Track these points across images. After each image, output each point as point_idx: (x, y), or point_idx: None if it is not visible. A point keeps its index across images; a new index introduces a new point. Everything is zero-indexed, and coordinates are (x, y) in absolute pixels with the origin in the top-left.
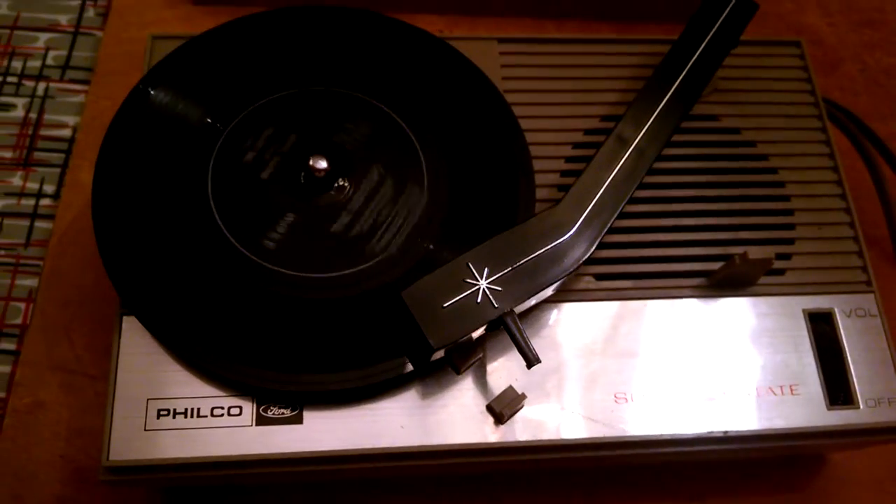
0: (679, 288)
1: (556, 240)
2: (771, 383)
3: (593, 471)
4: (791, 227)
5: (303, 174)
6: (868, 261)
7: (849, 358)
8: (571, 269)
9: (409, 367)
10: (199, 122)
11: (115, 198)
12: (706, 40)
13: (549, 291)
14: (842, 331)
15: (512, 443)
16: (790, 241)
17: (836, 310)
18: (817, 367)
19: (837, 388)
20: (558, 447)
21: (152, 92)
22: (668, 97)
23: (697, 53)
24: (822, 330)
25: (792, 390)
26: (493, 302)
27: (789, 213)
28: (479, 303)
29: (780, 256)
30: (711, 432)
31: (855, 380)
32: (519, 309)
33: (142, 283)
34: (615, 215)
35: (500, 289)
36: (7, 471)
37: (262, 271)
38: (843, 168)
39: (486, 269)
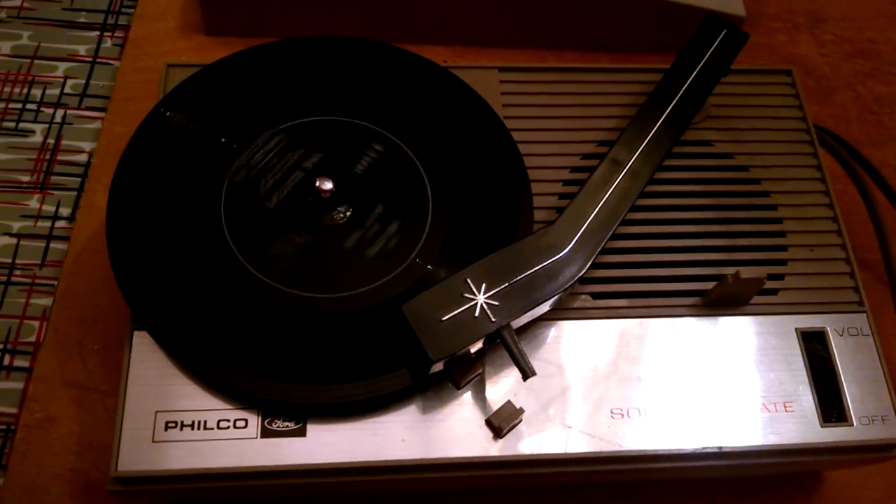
0: (674, 307)
1: (552, 257)
2: (765, 400)
3: (590, 487)
4: (783, 248)
5: (309, 196)
6: (860, 281)
7: (842, 376)
8: (566, 286)
9: (410, 381)
10: (211, 144)
11: (128, 213)
12: (698, 68)
13: (545, 307)
14: (834, 349)
15: (510, 456)
16: (783, 262)
17: (828, 329)
18: (810, 385)
19: (831, 406)
20: (555, 461)
21: (168, 114)
22: (660, 122)
23: (689, 81)
24: (814, 348)
25: (786, 407)
26: (491, 316)
27: (781, 234)
28: (476, 317)
29: (772, 277)
30: (706, 448)
31: (848, 397)
32: (516, 324)
33: (153, 299)
34: (609, 234)
35: (497, 303)
36: (18, 484)
37: (268, 289)
38: (835, 192)
39: (483, 285)
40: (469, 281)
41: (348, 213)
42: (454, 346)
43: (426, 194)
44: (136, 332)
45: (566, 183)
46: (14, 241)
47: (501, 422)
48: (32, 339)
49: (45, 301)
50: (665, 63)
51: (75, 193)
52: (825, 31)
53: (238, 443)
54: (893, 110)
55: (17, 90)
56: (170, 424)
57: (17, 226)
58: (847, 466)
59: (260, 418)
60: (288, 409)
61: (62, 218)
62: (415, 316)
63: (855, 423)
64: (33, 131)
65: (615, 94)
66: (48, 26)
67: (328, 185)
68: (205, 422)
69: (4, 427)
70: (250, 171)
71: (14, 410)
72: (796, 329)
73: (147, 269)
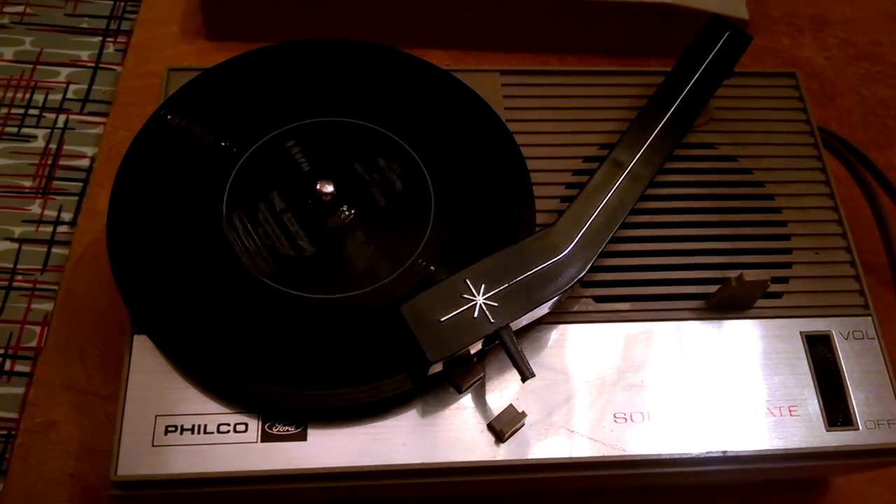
0: (677, 310)
1: (552, 258)
2: (769, 404)
3: (593, 493)
4: (788, 251)
5: (310, 199)
6: (865, 284)
7: (847, 380)
8: (566, 288)
9: (411, 384)
10: (213, 148)
11: (129, 217)
12: (700, 70)
13: (544, 309)
14: (840, 353)
15: (512, 461)
16: (787, 266)
17: (833, 332)
18: (815, 389)
19: (836, 410)
20: (558, 466)
21: (170, 118)
22: (662, 124)
23: (692, 82)
24: (819, 352)
25: (790, 411)
26: (490, 317)
27: (786, 238)
28: (475, 318)
29: (777, 280)
30: (710, 452)
31: (853, 401)
32: (516, 326)
33: (152, 302)
34: (610, 237)
35: (496, 304)
36: (18, 490)
37: (268, 292)
38: (840, 195)
39: (483, 286)
40: (468, 282)
41: (350, 216)
42: (453, 347)
43: (429, 196)
44: (136, 336)
45: (568, 186)
46: (16, 246)
47: (503, 426)
48: (33, 344)
49: (47, 306)
50: (668, 67)
51: (77, 198)
52: (829, 35)
53: (238, 447)
54: None
55: (19, 95)
56: (170, 428)
57: (18, 231)
58: (853, 471)
59: (260, 422)
60: (288, 414)
61: (64, 223)
62: (413, 316)
63: (861, 427)
64: (35, 136)
65: (618, 97)
66: (51, 32)
67: (329, 189)
68: (205, 426)
69: (5, 432)
70: (252, 173)
71: (14, 415)
72: (801, 332)
73: (147, 273)
